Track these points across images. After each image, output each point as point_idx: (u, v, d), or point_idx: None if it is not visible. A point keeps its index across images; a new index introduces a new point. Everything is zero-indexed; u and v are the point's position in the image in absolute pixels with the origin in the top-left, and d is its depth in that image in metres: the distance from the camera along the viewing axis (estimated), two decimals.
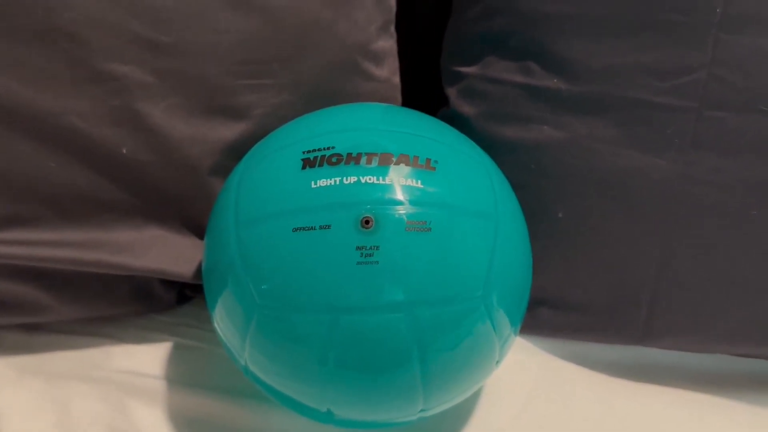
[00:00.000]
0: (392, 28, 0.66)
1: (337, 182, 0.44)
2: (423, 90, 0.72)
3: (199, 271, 0.59)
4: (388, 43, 0.65)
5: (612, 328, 0.57)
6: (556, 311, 0.59)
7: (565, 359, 0.62)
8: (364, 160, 0.45)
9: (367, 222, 0.43)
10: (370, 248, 0.43)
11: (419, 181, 0.45)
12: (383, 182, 0.44)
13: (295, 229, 0.44)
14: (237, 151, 0.58)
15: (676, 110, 0.52)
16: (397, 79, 0.66)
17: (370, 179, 0.44)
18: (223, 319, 0.49)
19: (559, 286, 0.59)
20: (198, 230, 0.60)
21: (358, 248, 0.43)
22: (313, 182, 0.45)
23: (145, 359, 0.62)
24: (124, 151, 0.55)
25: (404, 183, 0.45)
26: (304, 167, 0.46)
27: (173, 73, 0.54)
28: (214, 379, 0.60)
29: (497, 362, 0.51)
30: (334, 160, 0.45)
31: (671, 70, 0.52)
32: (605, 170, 0.54)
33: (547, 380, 0.60)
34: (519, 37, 0.57)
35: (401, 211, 0.44)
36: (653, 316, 0.56)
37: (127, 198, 0.57)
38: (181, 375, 0.60)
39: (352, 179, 0.44)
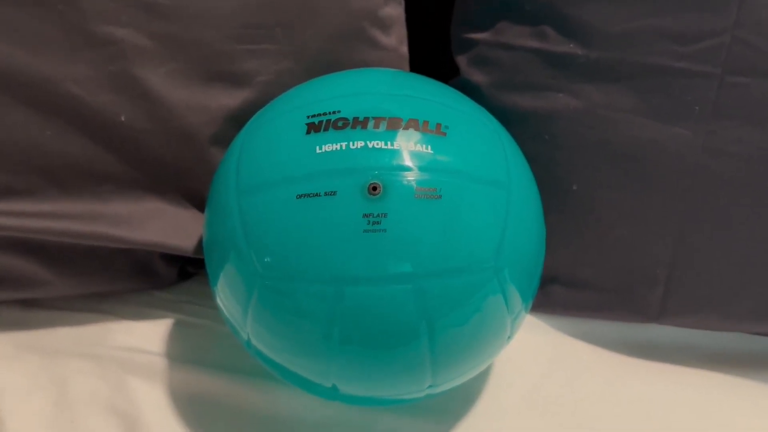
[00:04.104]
0: None
1: (343, 147, 0.42)
2: (432, 62, 0.70)
3: (200, 246, 0.57)
4: (396, 11, 0.62)
5: (627, 306, 0.55)
6: (568, 289, 0.57)
7: (577, 338, 0.60)
8: (371, 124, 0.43)
9: (374, 188, 0.41)
10: (378, 215, 0.41)
11: (429, 147, 0.43)
12: (391, 147, 0.42)
13: (299, 196, 0.42)
14: (238, 119, 0.56)
15: (696, 76, 0.50)
16: (405, 49, 0.64)
17: (377, 144, 0.42)
18: (224, 293, 0.47)
19: (572, 262, 0.57)
20: (199, 202, 0.58)
21: (365, 216, 0.41)
22: (318, 147, 0.43)
23: (145, 336, 0.60)
24: (123, 119, 0.53)
25: (413, 149, 0.42)
26: (308, 132, 0.44)
27: (172, 38, 0.52)
28: (216, 356, 0.58)
29: (509, 337, 0.49)
30: (340, 124, 0.43)
31: (692, 34, 0.49)
32: (621, 141, 0.52)
33: (558, 359, 0.59)
34: (533, 0, 0.54)
35: (410, 177, 0.42)
36: (670, 294, 0.54)
37: (125, 169, 0.55)
38: (183, 352, 0.59)
39: (359, 144, 0.42)
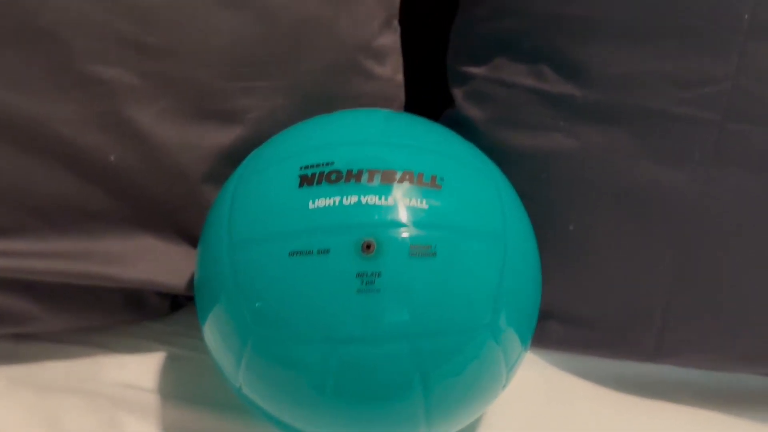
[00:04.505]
0: (395, 23, 0.62)
1: (337, 202, 0.42)
2: (428, 85, 0.69)
3: (192, 283, 0.56)
4: (390, 39, 0.61)
5: (622, 344, 0.55)
6: (564, 325, 0.57)
7: (572, 374, 0.59)
8: (365, 177, 0.42)
9: (368, 246, 0.40)
10: (372, 275, 0.40)
11: (424, 201, 0.42)
12: (386, 203, 0.42)
13: (292, 253, 0.41)
14: (231, 156, 0.55)
15: (697, 122, 0.49)
16: (400, 77, 0.63)
17: (371, 199, 0.42)
18: (216, 340, 0.46)
19: (569, 299, 0.56)
20: (191, 239, 0.57)
21: (358, 275, 0.40)
22: (311, 202, 0.42)
23: (137, 370, 0.59)
24: (112, 158, 0.52)
25: (408, 203, 0.42)
26: (301, 185, 0.43)
27: (162, 76, 0.51)
28: (209, 392, 0.57)
29: (504, 386, 0.48)
30: (333, 177, 0.42)
31: (694, 79, 0.49)
32: (620, 183, 0.51)
33: (553, 395, 0.58)
34: (531, 39, 0.53)
35: (405, 234, 0.41)
36: (665, 334, 0.53)
37: (117, 206, 0.54)
38: (175, 388, 0.58)
39: (353, 199, 0.42)
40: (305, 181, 0.43)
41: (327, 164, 0.43)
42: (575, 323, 0.57)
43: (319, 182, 0.42)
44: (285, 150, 0.47)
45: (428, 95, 0.68)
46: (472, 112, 0.57)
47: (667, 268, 0.52)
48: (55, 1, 0.48)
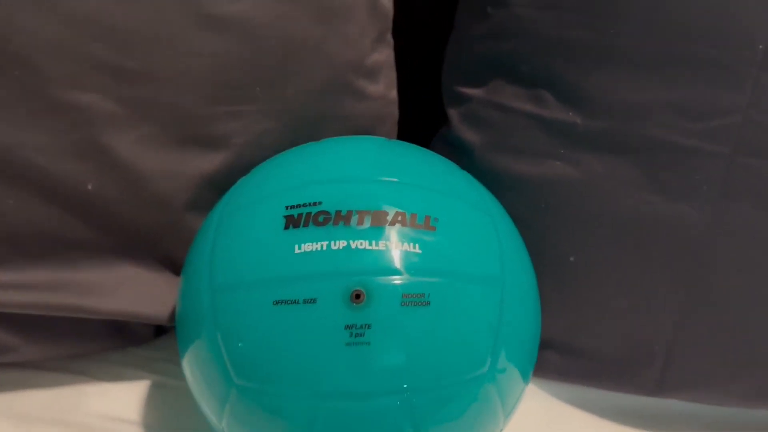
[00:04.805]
0: (389, 36, 0.59)
1: (324, 247, 0.39)
2: (423, 97, 0.66)
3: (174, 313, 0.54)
4: (384, 54, 0.58)
5: (623, 377, 0.53)
6: (563, 356, 0.55)
7: (571, 404, 0.58)
8: (354, 219, 0.40)
9: (357, 296, 0.38)
10: (361, 327, 0.38)
11: (417, 246, 0.40)
12: (376, 248, 0.39)
13: (276, 302, 0.39)
14: (215, 183, 0.52)
15: (706, 155, 0.47)
16: (393, 94, 0.60)
17: (361, 244, 0.39)
18: (198, 383, 0.44)
19: (568, 330, 0.54)
20: (175, 267, 0.55)
21: (347, 327, 0.38)
22: (296, 246, 0.39)
23: (121, 400, 0.57)
24: (90, 187, 0.49)
25: (401, 248, 0.39)
26: (286, 227, 0.40)
27: (141, 102, 0.49)
28: (196, 425, 0.55)
29: (501, 429, 0.46)
30: (321, 219, 0.40)
31: (703, 110, 0.46)
32: (624, 215, 0.49)
33: (552, 426, 0.56)
34: (531, 62, 0.51)
35: (396, 281, 0.39)
36: (668, 370, 0.51)
37: (95, 236, 0.52)
38: (160, 419, 0.56)
39: (341, 244, 0.39)
40: (291, 222, 0.40)
41: (314, 204, 0.41)
42: (574, 354, 0.55)
43: (305, 224, 0.40)
44: (269, 185, 0.44)
45: (423, 107, 0.65)
46: (468, 135, 0.54)
47: (672, 304, 0.50)
48: (25, 24, 0.45)
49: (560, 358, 0.55)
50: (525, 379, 0.46)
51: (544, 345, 0.55)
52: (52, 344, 0.56)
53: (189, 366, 0.45)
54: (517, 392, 0.45)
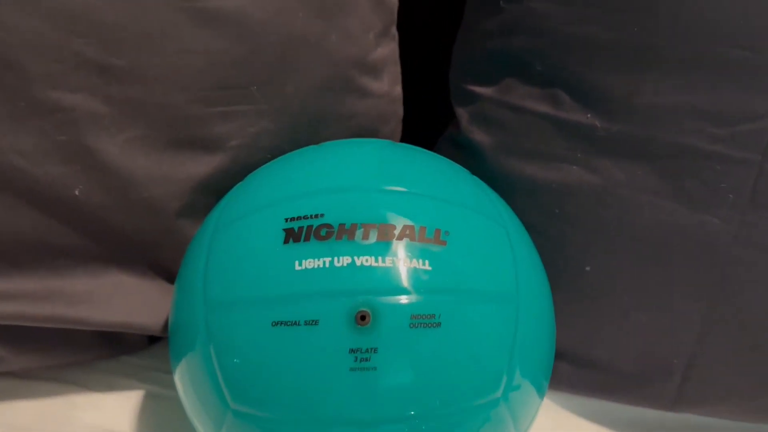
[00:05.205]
0: (393, 30, 0.56)
1: (327, 264, 0.36)
2: (430, 93, 0.63)
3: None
4: (388, 49, 0.55)
5: (639, 392, 0.50)
6: (577, 368, 0.52)
7: (583, 417, 0.55)
8: (359, 234, 0.37)
9: (362, 318, 0.36)
10: (366, 351, 0.35)
11: (426, 262, 0.37)
12: (383, 264, 0.36)
13: (275, 323, 0.36)
14: (210, 188, 0.50)
15: (733, 162, 0.44)
16: (398, 90, 0.57)
17: (366, 261, 0.36)
18: (192, 402, 0.42)
19: (583, 342, 0.51)
20: (168, 274, 0.52)
21: (351, 351, 0.35)
22: (297, 263, 0.37)
23: (113, 412, 0.55)
24: (77, 192, 0.47)
25: (409, 265, 0.37)
26: (286, 241, 0.38)
27: (131, 102, 0.46)
28: None
29: None
30: (323, 233, 0.37)
31: (731, 115, 0.43)
32: (644, 225, 0.46)
33: None
34: (546, 59, 0.47)
35: (404, 301, 0.36)
36: (686, 385, 0.49)
37: (84, 243, 0.49)
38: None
39: (345, 260, 0.36)
40: (291, 236, 0.38)
41: (316, 216, 0.38)
42: (588, 366, 0.52)
43: (306, 239, 0.37)
44: (267, 194, 0.41)
45: (430, 106, 0.62)
46: (479, 136, 0.51)
47: (693, 318, 0.47)
48: (5, 20, 0.42)
49: (573, 370, 0.53)
50: (540, 395, 0.44)
51: (557, 356, 0.53)
52: (42, 354, 0.54)
53: (182, 383, 0.42)
54: (532, 410, 0.43)
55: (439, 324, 0.36)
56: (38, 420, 0.54)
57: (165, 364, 0.58)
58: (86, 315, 0.50)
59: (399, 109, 0.58)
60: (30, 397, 0.56)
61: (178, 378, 0.42)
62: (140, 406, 0.56)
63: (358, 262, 0.36)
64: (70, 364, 0.57)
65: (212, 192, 0.49)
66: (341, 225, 0.37)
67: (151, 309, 0.51)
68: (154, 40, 0.44)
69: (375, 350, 0.35)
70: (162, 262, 0.52)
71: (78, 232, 0.49)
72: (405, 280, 0.36)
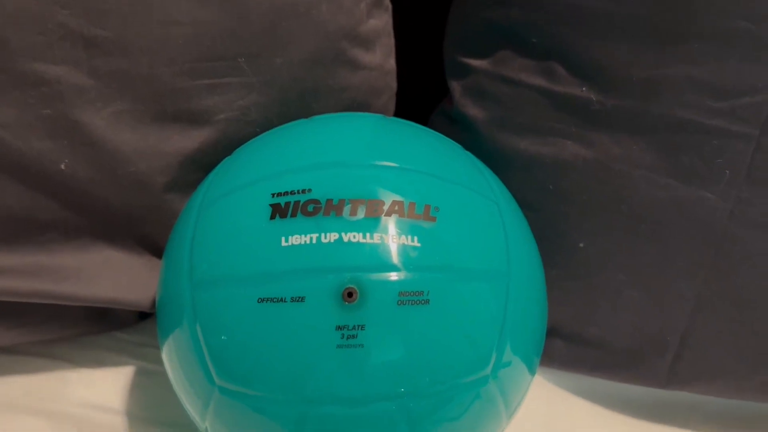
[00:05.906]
0: (387, 1, 0.55)
1: (314, 240, 0.36)
2: (422, 70, 0.62)
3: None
4: (381, 20, 0.54)
5: (632, 369, 0.50)
6: (570, 345, 0.52)
7: (576, 394, 0.55)
8: (347, 209, 0.36)
9: (349, 294, 0.35)
10: (354, 328, 0.35)
11: (416, 238, 0.36)
12: (371, 241, 0.36)
13: (261, 300, 0.35)
14: (198, 162, 0.49)
15: (731, 136, 0.43)
16: (391, 63, 0.56)
17: (354, 237, 0.36)
18: (179, 379, 0.41)
19: (576, 319, 0.51)
20: (155, 249, 0.52)
21: (338, 328, 0.35)
22: (283, 239, 0.36)
23: (104, 389, 0.55)
24: (63, 166, 0.46)
25: (397, 241, 0.36)
26: (272, 216, 0.37)
27: (116, 75, 0.45)
28: (181, 412, 0.53)
29: (503, 429, 0.44)
30: (310, 209, 0.37)
31: (729, 88, 0.42)
32: (639, 200, 0.45)
33: (554, 418, 0.54)
34: (542, 31, 0.46)
35: (393, 278, 0.35)
36: (679, 362, 0.48)
37: (70, 217, 0.48)
38: (145, 408, 0.54)
39: (333, 237, 0.36)
40: (278, 212, 0.37)
41: (303, 192, 0.37)
42: (581, 343, 0.52)
43: (293, 214, 0.36)
44: (254, 170, 0.40)
45: (423, 79, 0.61)
46: (472, 110, 0.50)
47: (687, 295, 0.46)
48: None
49: (566, 347, 0.52)
50: (531, 372, 0.43)
51: (550, 333, 0.53)
52: (31, 329, 0.53)
53: (169, 361, 0.42)
54: (522, 387, 0.42)
55: (427, 301, 0.35)
56: (28, 395, 0.54)
57: (155, 339, 0.58)
58: (74, 290, 0.49)
59: (392, 83, 0.56)
60: (20, 372, 0.56)
61: (165, 355, 0.42)
62: (130, 381, 0.55)
63: (345, 239, 0.36)
64: (59, 340, 0.56)
65: (200, 166, 0.48)
66: (329, 200, 0.36)
67: (140, 285, 0.51)
68: (139, 11, 0.43)
69: (362, 327, 0.35)
70: (150, 237, 0.51)
71: (65, 207, 0.48)
72: (393, 257, 0.36)
